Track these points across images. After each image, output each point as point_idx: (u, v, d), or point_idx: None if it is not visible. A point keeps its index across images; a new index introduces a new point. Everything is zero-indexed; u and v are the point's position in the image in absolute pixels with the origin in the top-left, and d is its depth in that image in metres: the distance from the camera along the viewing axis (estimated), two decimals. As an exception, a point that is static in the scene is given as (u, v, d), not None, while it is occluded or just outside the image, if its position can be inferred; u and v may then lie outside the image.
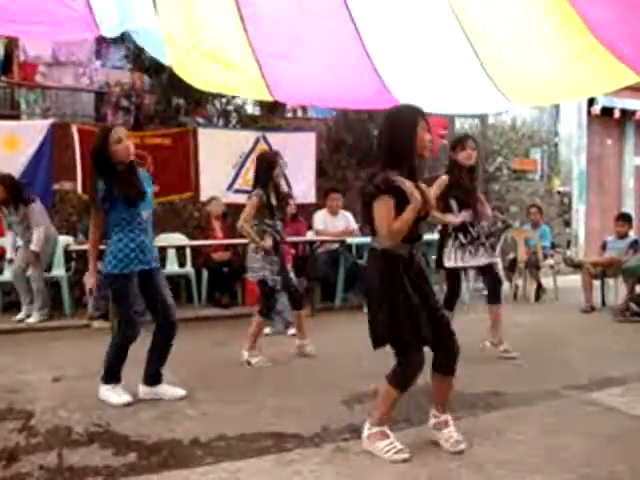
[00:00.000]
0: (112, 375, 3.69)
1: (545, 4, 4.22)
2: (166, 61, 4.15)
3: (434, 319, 2.85)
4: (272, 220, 4.55)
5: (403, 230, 2.73)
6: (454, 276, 4.66)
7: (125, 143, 3.53)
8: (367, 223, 2.91)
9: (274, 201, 4.55)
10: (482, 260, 4.57)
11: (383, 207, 2.73)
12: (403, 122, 2.80)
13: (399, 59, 4.72)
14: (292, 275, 4.74)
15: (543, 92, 4.89)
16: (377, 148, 2.93)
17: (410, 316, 2.76)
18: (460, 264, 4.54)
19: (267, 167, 4.55)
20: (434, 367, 2.94)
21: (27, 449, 2.97)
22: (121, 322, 3.68)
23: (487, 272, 4.68)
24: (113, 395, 3.63)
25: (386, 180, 2.71)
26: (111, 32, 3.98)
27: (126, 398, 3.62)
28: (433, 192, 2.91)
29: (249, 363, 4.54)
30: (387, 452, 2.81)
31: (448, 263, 4.58)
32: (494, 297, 4.69)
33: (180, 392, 3.72)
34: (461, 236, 4.50)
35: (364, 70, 4.75)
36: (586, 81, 4.58)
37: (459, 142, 4.58)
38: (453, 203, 4.47)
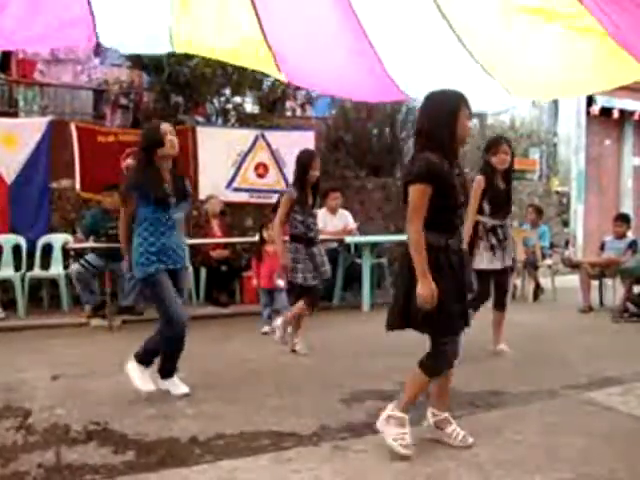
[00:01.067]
0: (145, 358, 3.64)
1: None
2: (164, 48, 4.12)
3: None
4: (302, 216, 4.64)
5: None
6: (486, 278, 4.61)
7: (170, 137, 3.55)
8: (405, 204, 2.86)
9: (310, 199, 4.68)
10: (506, 262, 4.58)
11: (417, 194, 2.69)
12: (446, 106, 2.75)
13: (400, 56, 4.69)
14: (298, 274, 4.68)
15: (544, 86, 4.84)
16: (416, 131, 2.90)
17: (444, 306, 2.70)
18: (490, 266, 4.53)
19: (302, 167, 4.63)
20: None
21: (25, 447, 2.96)
22: (163, 322, 3.60)
23: (503, 275, 4.68)
24: (139, 379, 3.59)
25: (425, 165, 2.68)
26: (110, 42, 3.99)
27: (149, 387, 3.59)
28: None
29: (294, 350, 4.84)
30: (395, 440, 2.79)
31: (480, 265, 4.54)
32: (504, 302, 4.68)
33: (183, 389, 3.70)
34: (493, 238, 4.51)
35: (369, 63, 4.71)
36: (591, 76, 4.52)
37: (493, 145, 4.56)
38: (486, 206, 4.48)
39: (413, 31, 4.56)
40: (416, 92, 4.77)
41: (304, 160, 4.66)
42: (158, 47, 4.29)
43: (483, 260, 4.53)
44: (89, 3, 3.62)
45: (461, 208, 2.87)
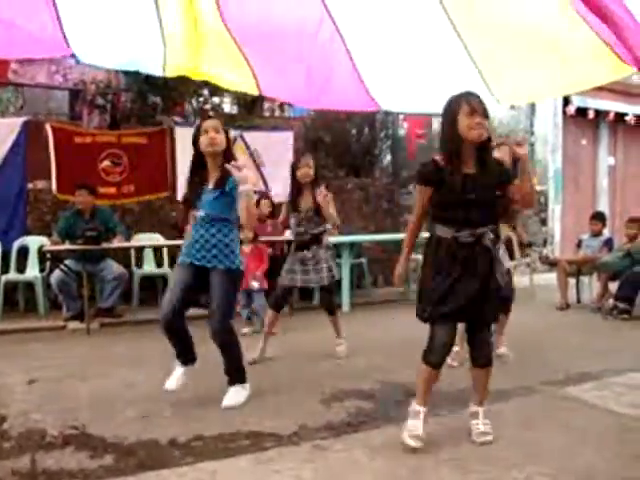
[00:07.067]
0: (235, 377, 3.68)
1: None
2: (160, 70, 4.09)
3: (480, 306, 2.89)
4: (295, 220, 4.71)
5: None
6: None
7: (207, 135, 3.61)
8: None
9: (304, 202, 4.67)
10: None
11: (417, 194, 3.02)
12: (447, 110, 2.93)
13: (383, 56, 4.67)
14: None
15: (534, 89, 4.85)
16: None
17: (437, 289, 2.85)
18: None
19: (291, 171, 4.73)
20: (471, 362, 3.03)
21: (-1, 453, 2.92)
22: None
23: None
24: (240, 396, 3.65)
25: (419, 171, 2.97)
26: (86, 58, 3.93)
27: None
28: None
29: None
30: (405, 430, 2.90)
31: None
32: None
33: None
34: None
35: (347, 73, 4.71)
36: (580, 74, 4.54)
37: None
38: None
39: (406, 32, 4.55)
40: (389, 103, 4.79)
41: (292, 164, 4.78)
42: (147, 67, 4.23)
43: None
44: (58, 17, 3.57)
45: (470, 204, 2.84)
